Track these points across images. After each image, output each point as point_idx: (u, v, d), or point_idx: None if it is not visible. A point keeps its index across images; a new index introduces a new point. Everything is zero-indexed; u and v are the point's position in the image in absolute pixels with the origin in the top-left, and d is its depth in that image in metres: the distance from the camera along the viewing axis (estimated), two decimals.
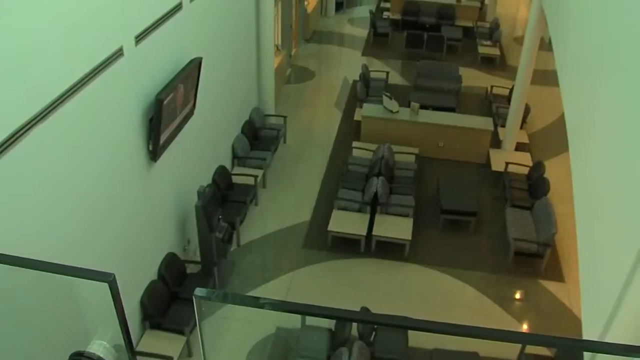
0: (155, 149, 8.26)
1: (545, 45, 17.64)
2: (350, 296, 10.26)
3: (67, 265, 2.97)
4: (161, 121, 8.04)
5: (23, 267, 2.97)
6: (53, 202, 6.21)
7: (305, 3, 20.71)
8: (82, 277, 2.90)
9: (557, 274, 11.07)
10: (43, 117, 5.77)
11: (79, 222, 6.79)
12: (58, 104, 6.00)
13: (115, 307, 2.93)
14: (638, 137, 4.16)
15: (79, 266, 2.91)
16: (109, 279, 2.84)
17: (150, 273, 8.97)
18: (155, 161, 8.47)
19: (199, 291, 2.75)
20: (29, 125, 5.56)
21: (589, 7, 7.01)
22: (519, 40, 20.63)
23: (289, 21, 18.01)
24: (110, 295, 2.87)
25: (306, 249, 11.34)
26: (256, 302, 2.69)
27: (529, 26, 13.35)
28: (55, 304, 5.64)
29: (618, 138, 4.67)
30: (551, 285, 10.84)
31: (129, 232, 8.12)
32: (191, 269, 10.11)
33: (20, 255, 2.96)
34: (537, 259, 11.05)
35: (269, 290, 10.32)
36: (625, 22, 5.13)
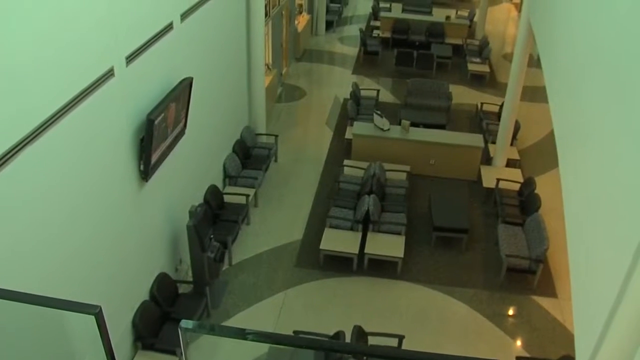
0: (146, 169, 8.26)
1: (534, 61, 17.78)
2: (343, 314, 10.23)
3: (53, 298, 2.95)
4: (152, 141, 8.03)
5: (8, 299, 2.95)
6: (43, 223, 6.19)
7: (296, 22, 20.82)
8: (68, 310, 2.87)
9: (549, 290, 11.08)
10: (33, 138, 5.76)
11: (69, 242, 6.76)
12: (48, 126, 6.00)
13: (102, 340, 2.91)
14: (626, 153, 4.18)
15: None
16: (95, 312, 2.82)
17: (141, 293, 8.92)
18: (147, 181, 8.47)
19: (184, 323, 2.75)
20: (18, 147, 5.55)
21: (576, 23, 7.07)
22: (508, 57, 20.79)
23: (280, 40, 18.09)
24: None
25: (298, 268, 11.31)
26: (241, 334, 2.69)
27: (518, 43, 13.44)
28: (41, 333, 5.59)
29: (606, 153, 4.69)
30: (544, 301, 10.84)
31: (120, 252, 8.10)
32: (183, 288, 10.07)
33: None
34: (529, 275, 11.06)
35: (261, 310, 10.28)
36: (610, 38, 5.18)
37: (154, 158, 8.31)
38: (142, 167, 8.26)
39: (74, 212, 6.77)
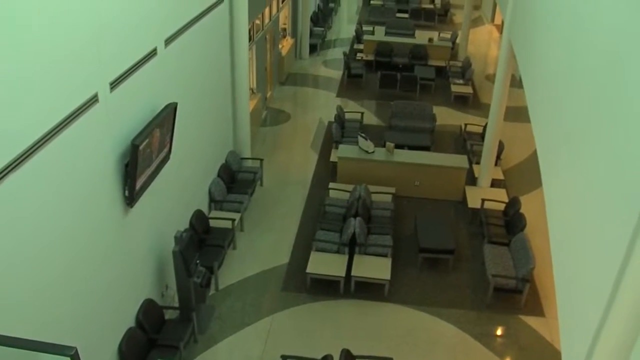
0: (131, 195, 8.23)
1: (517, 82, 17.96)
2: (331, 338, 10.18)
3: (27, 340, 2.91)
4: (137, 167, 8.02)
5: None
6: (25, 250, 6.13)
7: (280, 46, 20.92)
8: (43, 352, 2.85)
9: (537, 309, 11.09)
10: (15, 166, 5.74)
11: (52, 269, 6.70)
12: (31, 153, 5.97)
13: None
14: (606, 172, 4.22)
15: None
16: (71, 353, 2.80)
17: (127, 320, 8.85)
18: (132, 207, 8.44)
19: None
20: (0, 175, 5.53)
21: (555, 44, 7.16)
22: (491, 78, 21.01)
23: (264, 64, 18.17)
24: None
25: (285, 292, 11.26)
26: None
27: (500, 64, 13.57)
28: None
29: (588, 172, 4.73)
30: (531, 320, 10.85)
31: (105, 278, 8.04)
32: (170, 314, 10.01)
33: None
34: (516, 294, 11.07)
35: (249, 335, 10.22)
36: (588, 58, 5.25)
37: (138, 184, 8.29)
38: (126, 193, 8.24)
39: (56, 238, 6.73)
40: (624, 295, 3.66)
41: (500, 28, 26.92)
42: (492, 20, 30.85)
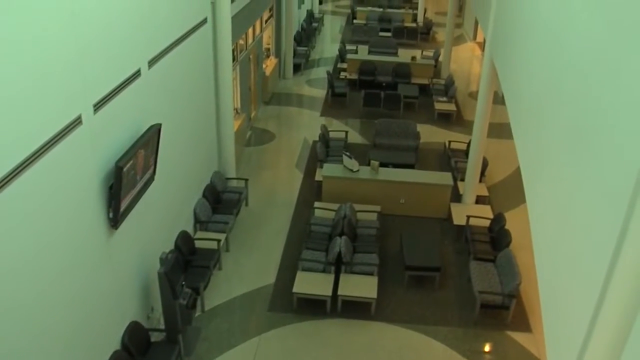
0: (115, 217, 8.19)
1: (500, 99, 18.08)
2: (319, 358, 10.15)
3: None
4: (121, 188, 7.99)
5: None
6: (7, 271, 6.08)
7: (264, 66, 20.98)
8: None
9: (524, 325, 11.11)
10: None
11: (36, 292, 6.64)
12: (13, 176, 5.93)
13: None
14: (587, 187, 4.25)
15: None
16: None
17: (113, 343, 8.77)
18: (116, 228, 8.39)
19: None
20: None
21: (535, 60, 7.23)
22: (474, 95, 21.17)
23: (248, 84, 18.21)
24: None
25: (272, 312, 11.22)
26: None
27: (482, 81, 13.67)
28: None
29: (570, 187, 4.76)
30: (519, 336, 10.86)
31: (89, 301, 7.97)
32: (155, 337, 9.91)
33: None
34: (503, 310, 11.10)
35: (236, 356, 10.15)
36: (568, 74, 5.30)
37: (123, 205, 8.26)
38: (111, 215, 8.20)
39: (39, 261, 6.67)
40: (609, 310, 3.67)
41: (482, 45, 27.16)
42: (474, 38, 31.12)
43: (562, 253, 4.81)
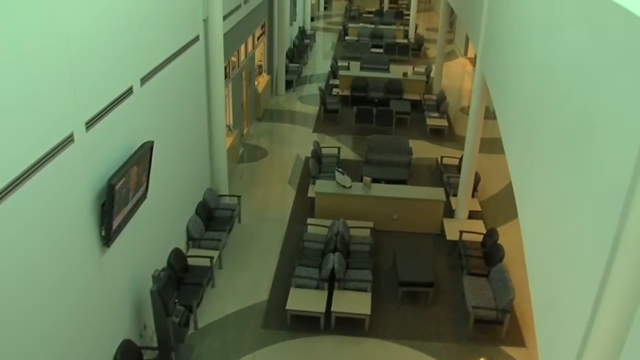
0: (108, 234, 8.17)
1: (491, 114, 18.14)
2: None
3: None
4: (113, 206, 7.98)
5: None
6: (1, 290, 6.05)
7: (256, 82, 21.03)
8: None
9: (518, 340, 11.10)
10: None
11: (28, 310, 6.61)
12: (5, 195, 5.91)
13: None
14: (579, 201, 4.26)
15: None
16: None
17: None
18: (109, 246, 8.36)
19: None
20: None
21: (526, 76, 7.27)
22: (466, 111, 21.25)
23: (240, 101, 18.24)
24: None
25: (265, 329, 11.17)
26: None
27: (474, 97, 13.73)
28: None
29: (561, 202, 4.78)
30: (513, 351, 10.85)
31: (81, 319, 7.92)
32: (148, 355, 9.86)
33: None
34: (497, 325, 11.08)
35: None
36: (558, 89, 5.33)
37: (115, 223, 8.23)
38: (103, 233, 8.18)
39: (31, 279, 6.63)
40: (602, 324, 3.68)
41: (473, 61, 27.30)
42: (465, 53, 31.30)
43: (555, 267, 4.82)
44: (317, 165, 16.18)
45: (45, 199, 6.79)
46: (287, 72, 24.71)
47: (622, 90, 3.70)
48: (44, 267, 6.87)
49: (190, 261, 11.89)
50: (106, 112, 8.21)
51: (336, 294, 11.42)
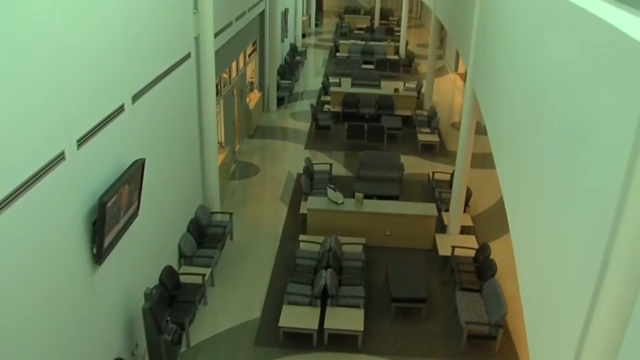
0: (99, 252, 8.14)
1: (482, 129, 18.20)
2: None
3: None
4: (105, 224, 7.95)
5: None
6: None
7: (247, 99, 21.07)
8: None
9: (511, 355, 11.08)
10: None
11: (16, 329, 6.56)
12: None
13: None
14: (570, 215, 4.28)
15: None
16: None
17: None
18: (100, 264, 8.33)
19: None
20: None
21: (515, 91, 7.31)
22: (457, 126, 21.33)
23: (232, 118, 18.26)
24: None
25: (258, 347, 11.12)
26: None
27: (465, 112, 13.79)
28: None
29: (552, 217, 4.79)
30: None
31: (72, 337, 7.87)
32: None
33: None
34: (490, 340, 11.07)
35: None
36: (548, 104, 5.36)
37: (107, 241, 8.21)
38: (94, 251, 8.15)
39: (21, 297, 6.60)
40: (594, 339, 3.68)
41: (463, 77, 27.43)
42: (456, 69, 31.47)
43: (546, 282, 4.83)
44: (309, 182, 16.18)
45: (36, 217, 6.76)
46: (278, 88, 24.78)
47: (609, 104, 3.73)
48: (35, 285, 6.83)
49: (182, 279, 11.84)
50: (97, 129, 8.20)
51: (329, 310, 11.39)
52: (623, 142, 3.34)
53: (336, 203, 14.40)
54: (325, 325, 11.05)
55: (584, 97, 4.31)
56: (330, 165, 17.81)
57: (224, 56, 15.71)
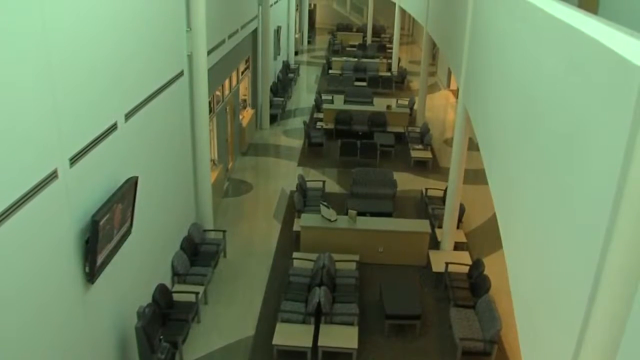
0: (92, 271, 8.10)
1: (475, 145, 18.26)
2: None
3: None
4: (97, 242, 7.93)
5: None
6: None
7: (240, 117, 21.10)
8: None
9: None
10: None
11: (7, 348, 6.52)
12: None
13: None
14: (564, 231, 4.29)
15: None
16: None
17: None
18: (93, 283, 8.29)
19: None
20: None
21: (507, 107, 7.34)
22: (449, 142, 21.38)
23: (225, 135, 18.27)
24: None
25: None
26: None
27: (457, 128, 13.83)
28: None
29: (545, 233, 4.80)
30: None
31: (64, 357, 7.81)
32: None
33: None
34: (484, 356, 11.03)
35: None
36: (539, 120, 5.39)
37: (99, 259, 8.18)
38: (87, 269, 8.11)
39: (12, 316, 6.56)
40: (587, 355, 3.68)
41: (455, 93, 27.54)
42: (448, 86, 31.61)
43: (540, 297, 4.83)
44: (302, 199, 16.18)
45: (28, 235, 6.73)
46: (271, 106, 24.83)
47: (600, 121, 3.75)
48: (26, 304, 6.79)
49: (176, 297, 11.79)
50: (90, 147, 8.20)
51: (323, 328, 11.35)
52: (614, 155, 3.36)
53: (329, 220, 14.39)
54: (319, 343, 11.01)
55: (575, 111, 4.33)
56: (324, 182, 17.82)
57: (216, 74, 15.75)
